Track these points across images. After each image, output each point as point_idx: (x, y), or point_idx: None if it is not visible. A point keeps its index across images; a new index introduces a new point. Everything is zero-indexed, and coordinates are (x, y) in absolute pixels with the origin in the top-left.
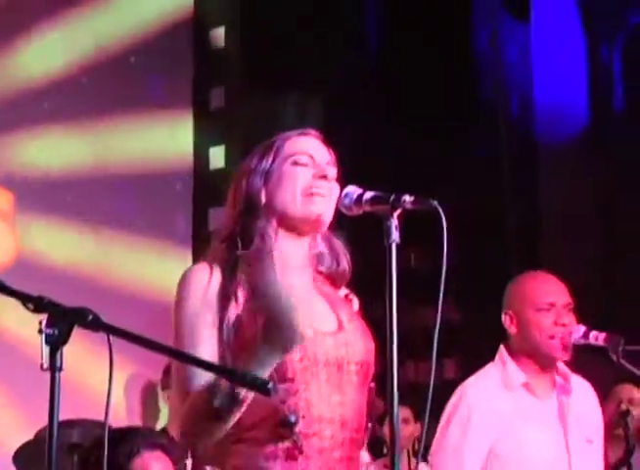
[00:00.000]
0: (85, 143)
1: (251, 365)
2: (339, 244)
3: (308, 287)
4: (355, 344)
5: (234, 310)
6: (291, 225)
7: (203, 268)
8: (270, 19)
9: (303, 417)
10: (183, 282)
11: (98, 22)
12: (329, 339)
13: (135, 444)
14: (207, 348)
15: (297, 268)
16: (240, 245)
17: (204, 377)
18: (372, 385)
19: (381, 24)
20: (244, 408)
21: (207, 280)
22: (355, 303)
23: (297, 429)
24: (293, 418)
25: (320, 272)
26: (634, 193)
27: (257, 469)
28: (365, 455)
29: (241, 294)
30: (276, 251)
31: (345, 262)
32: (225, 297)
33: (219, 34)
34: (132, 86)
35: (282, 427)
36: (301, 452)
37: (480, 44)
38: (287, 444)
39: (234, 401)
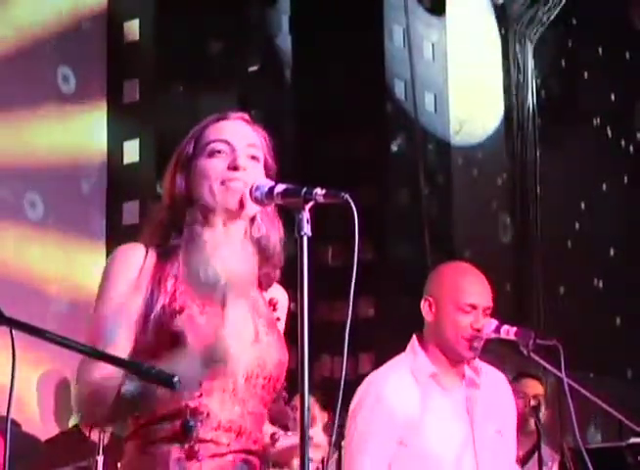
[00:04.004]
0: None
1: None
2: (275, 237)
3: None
4: (267, 358)
5: (162, 300)
6: (212, 217)
7: (139, 248)
8: (184, 12)
9: (204, 421)
10: (117, 259)
11: (11, 12)
12: (228, 372)
13: None
14: (127, 334)
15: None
16: (173, 235)
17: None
18: (284, 394)
19: (294, 20)
20: (152, 402)
21: (142, 262)
22: (278, 306)
23: (194, 434)
24: (192, 422)
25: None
26: (545, 188)
27: (150, 467)
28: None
29: (170, 285)
30: (207, 243)
31: (276, 259)
32: (157, 285)
33: (133, 27)
34: (45, 78)
35: (181, 429)
36: (198, 457)
37: (393, 40)
38: (184, 445)
39: (143, 392)
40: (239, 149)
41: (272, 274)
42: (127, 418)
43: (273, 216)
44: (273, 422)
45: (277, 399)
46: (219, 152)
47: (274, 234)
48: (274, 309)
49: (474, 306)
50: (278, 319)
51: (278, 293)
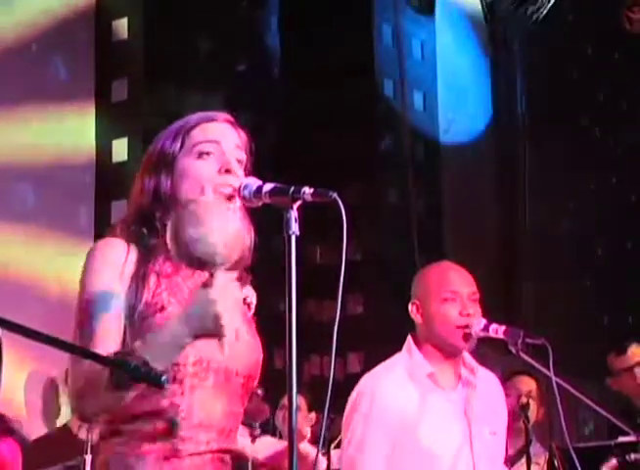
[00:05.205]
0: None
1: (160, 346)
2: (247, 241)
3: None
4: (246, 356)
5: (145, 296)
6: None
7: (120, 244)
8: (173, 11)
9: (184, 419)
10: (98, 253)
11: None
12: (225, 348)
13: None
14: (116, 321)
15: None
16: (154, 233)
17: (101, 352)
18: (259, 391)
19: (282, 18)
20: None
21: (125, 257)
22: (252, 306)
23: (178, 432)
24: (177, 419)
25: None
26: (532, 188)
27: (127, 466)
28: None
29: (152, 282)
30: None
31: (245, 263)
32: (141, 280)
33: (122, 26)
34: (33, 77)
35: (167, 426)
36: (178, 455)
37: (382, 39)
38: (163, 443)
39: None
40: (228, 151)
41: (244, 274)
42: (118, 406)
43: (244, 219)
44: (250, 419)
45: (252, 396)
46: (207, 154)
47: (246, 238)
48: (249, 308)
49: (455, 293)
50: (253, 318)
51: (250, 292)
